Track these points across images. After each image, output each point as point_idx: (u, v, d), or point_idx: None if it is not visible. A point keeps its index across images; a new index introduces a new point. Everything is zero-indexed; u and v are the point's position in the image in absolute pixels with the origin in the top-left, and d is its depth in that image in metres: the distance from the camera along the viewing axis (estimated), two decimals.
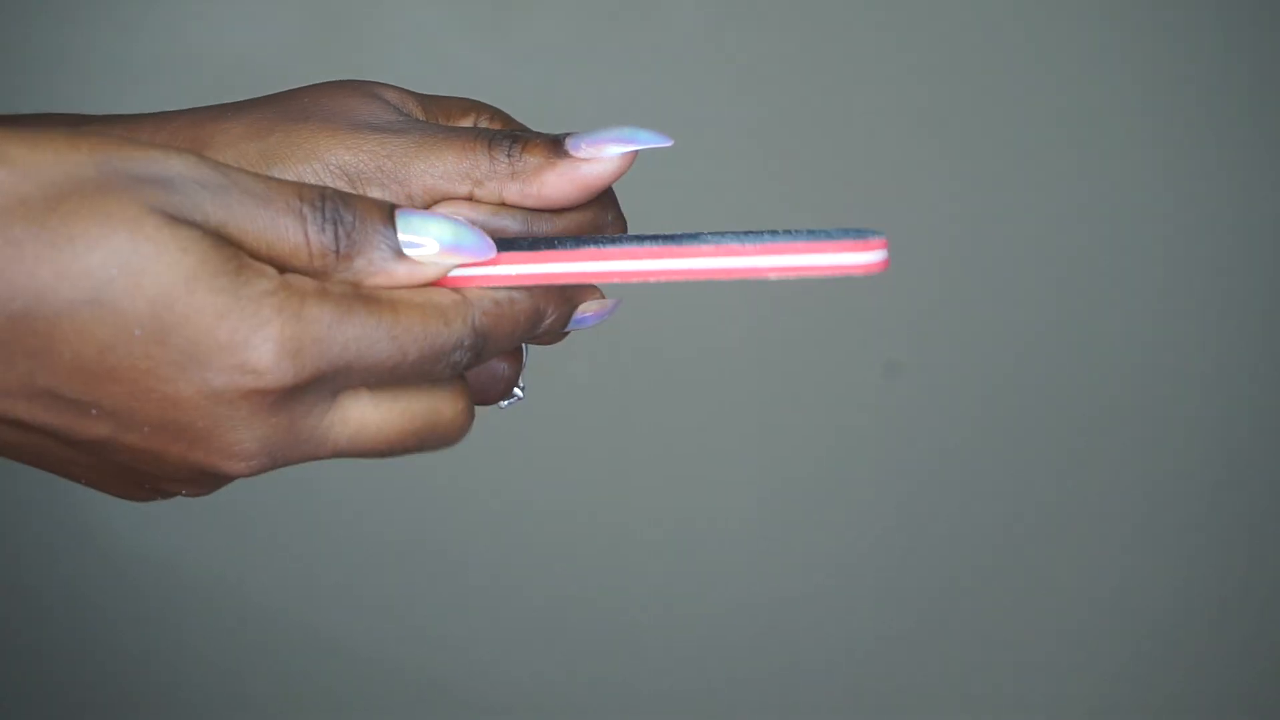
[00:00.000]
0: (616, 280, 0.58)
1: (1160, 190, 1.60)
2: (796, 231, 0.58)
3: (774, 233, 0.58)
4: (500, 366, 0.65)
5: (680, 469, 1.62)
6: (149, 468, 0.55)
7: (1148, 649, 1.65)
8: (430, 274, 0.57)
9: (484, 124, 0.66)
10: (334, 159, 0.64)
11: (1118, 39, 1.58)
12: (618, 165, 0.62)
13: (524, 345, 0.66)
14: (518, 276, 0.58)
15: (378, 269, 0.56)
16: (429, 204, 0.64)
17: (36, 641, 1.62)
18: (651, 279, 0.58)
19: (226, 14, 1.54)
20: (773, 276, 0.56)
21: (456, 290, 0.57)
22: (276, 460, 0.56)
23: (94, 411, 0.54)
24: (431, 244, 0.57)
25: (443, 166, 0.63)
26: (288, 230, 0.55)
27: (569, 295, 0.60)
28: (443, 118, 0.66)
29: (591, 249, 0.58)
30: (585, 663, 1.64)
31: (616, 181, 0.63)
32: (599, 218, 0.64)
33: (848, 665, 1.65)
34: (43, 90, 1.54)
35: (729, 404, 1.62)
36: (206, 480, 0.56)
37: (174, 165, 0.54)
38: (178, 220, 0.53)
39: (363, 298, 0.56)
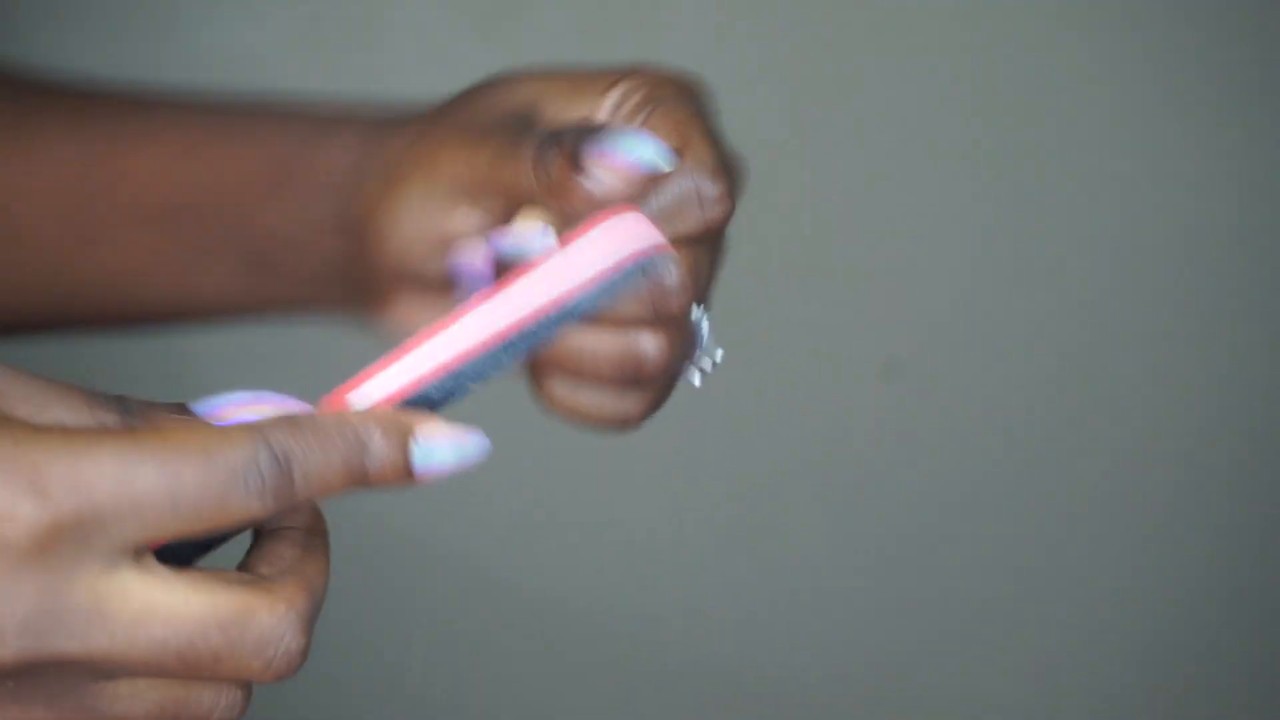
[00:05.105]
0: (414, 391, 0.54)
1: (1166, 190, 1.60)
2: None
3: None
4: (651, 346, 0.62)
5: (677, 470, 1.62)
6: None
7: (1158, 652, 1.65)
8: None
9: (628, 93, 0.63)
10: (448, 171, 0.63)
11: (1122, 40, 1.58)
12: (626, 186, 0.59)
13: (695, 325, 0.64)
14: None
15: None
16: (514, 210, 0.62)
17: None
18: (444, 371, 0.54)
19: (227, 14, 1.54)
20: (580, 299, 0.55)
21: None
22: (40, 644, 0.47)
23: None
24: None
25: (516, 187, 0.60)
26: None
27: (396, 421, 0.51)
28: (580, 99, 0.63)
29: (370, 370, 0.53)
30: (576, 662, 1.64)
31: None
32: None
33: (848, 664, 1.65)
34: None
35: (726, 405, 1.62)
36: None
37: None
38: None
39: (121, 431, 0.49)
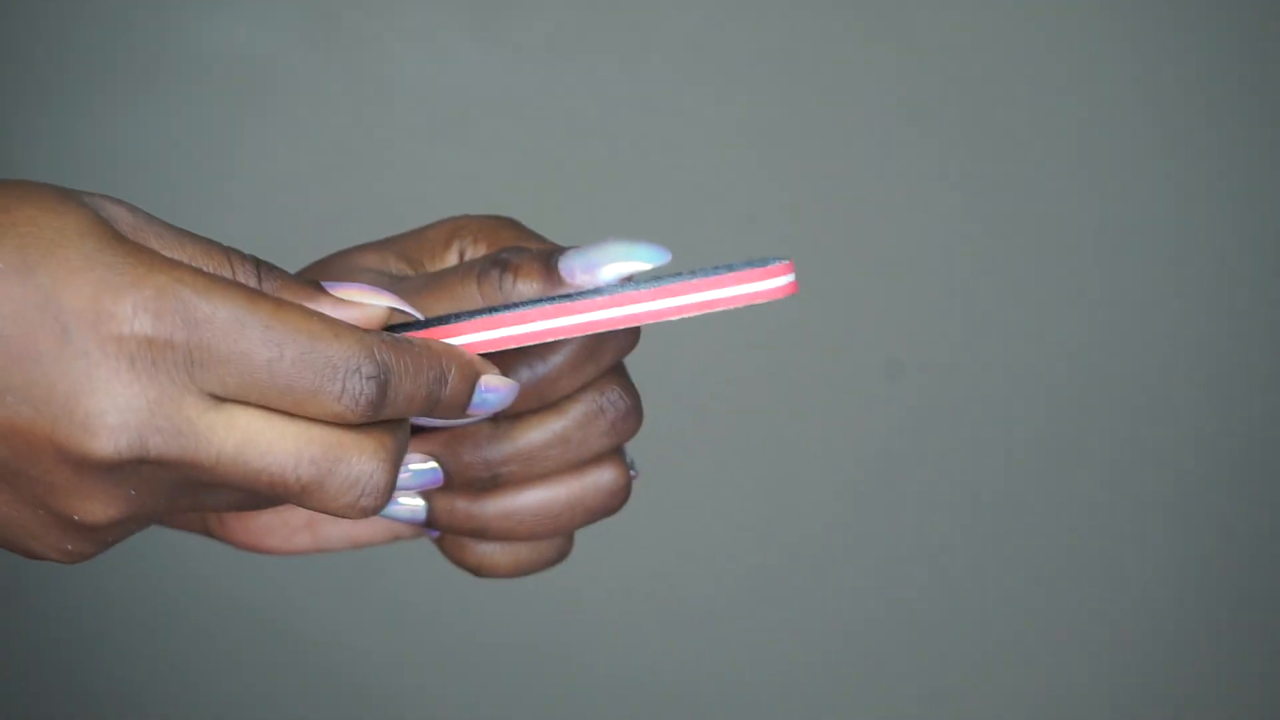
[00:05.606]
0: (514, 345, 0.57)
1: (1166, 189, 1.60)
2: (703, 270, 0.57)
3: (678, 275, 0.57)
4: (609, 475, 0.62)
5: (679, 471, 1.62)
6: (25, 465, 0.52)
7: (1159, 654, 1.65)
8: (354, 314, 0.54)
9: (469, 248, 0.63)
10: None
11: (1120, 38, 1.58)
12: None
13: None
14: None
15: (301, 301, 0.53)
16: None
17: (33, 646, 1.62)
18: (551, 337, 0.57)
19: (226, 14, 1.54)
20: (675, 317, 0.57)
21: None
22: (146, 441, 0.51)
23: None
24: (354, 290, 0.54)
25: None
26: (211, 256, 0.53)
27: (471, 363, 0.56)
28: (427, 258, 0.63)
29: (485, 318, 0.56)
30: (576, 666, 1.64)
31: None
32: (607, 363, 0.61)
33: (848, 664, 1.65)
34: (41, 90, 1.54)
35: (725, 407, 1.62)
36: (81, 477, 0.52)
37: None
38: (75, 197, 0.52)
39: (245, 287, 0.52)
